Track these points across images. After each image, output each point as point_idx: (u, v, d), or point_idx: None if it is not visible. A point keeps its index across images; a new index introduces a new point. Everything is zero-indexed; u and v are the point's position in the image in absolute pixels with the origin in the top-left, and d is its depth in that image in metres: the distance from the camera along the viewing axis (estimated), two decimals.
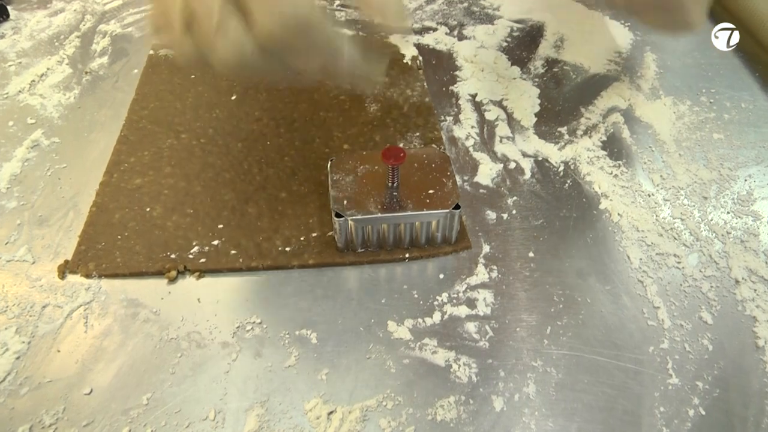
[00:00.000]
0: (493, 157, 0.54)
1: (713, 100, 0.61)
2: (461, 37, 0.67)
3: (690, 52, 0.67)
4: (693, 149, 0.56)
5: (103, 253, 0.46)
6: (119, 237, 0.47)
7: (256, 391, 0.39)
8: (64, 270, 0.45)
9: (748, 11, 0.68)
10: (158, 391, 0.39)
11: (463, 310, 0.43)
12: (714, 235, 0.49)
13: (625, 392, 0.40)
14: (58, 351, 0.41)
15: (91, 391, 0.39)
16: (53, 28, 0.69)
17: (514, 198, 0.51)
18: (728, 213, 0.50)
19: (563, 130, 0.57)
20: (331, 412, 0.38)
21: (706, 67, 0.65)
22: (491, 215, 0.49)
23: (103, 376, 0.40)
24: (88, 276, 0.45)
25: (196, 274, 0.45)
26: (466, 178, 0.52)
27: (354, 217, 0.43)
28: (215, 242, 0.46)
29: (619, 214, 0.50)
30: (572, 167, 0.53)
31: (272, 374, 0.40)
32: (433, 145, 0.54)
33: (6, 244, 0.47)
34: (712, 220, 0.50)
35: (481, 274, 0.45)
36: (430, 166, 0.46)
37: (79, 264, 0.45)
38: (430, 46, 0.66)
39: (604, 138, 0.56)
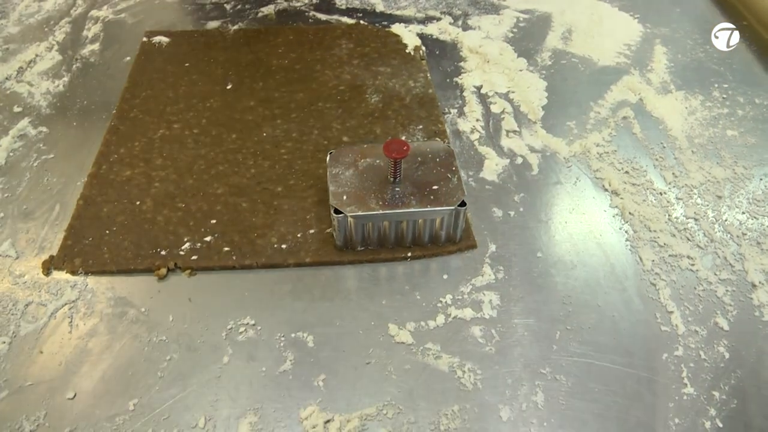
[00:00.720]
0: (500, 151, 0.52)
1: (726, 96, 0.59)
2: (466, 27, 0.65)
3: (701, 45, 0.65)
4: (706, 146, 0.53)
5: (90, 248, 0.44)
6: (107, 232, 0.45)
7: (249, 398, 0.37)
8: (49, 266, 0.43)
9: (761, 3, 0.66)
10: (145, 397, 0.37)
11: (468, 313, 0.41)
12: (729, 236, 0.47)
13: (638, 402, 0.38)
14: (41, 352, 0.39)
15: (74, 396, 0.37)
16: (43, 13, 0.67)
17: (522, 195, 0.49)
18: (743, 213, 0.48)
19: (572, 124, 0.55)
20: (328, 421, 0.36)
21: (718, 62, 0.63)
22: (497, 212, 0.47)
23: (87, 380, 0.38)
24: (74, 272, 0.43)
25: (187, 271, 0.43)
26: (471, 173, 0.50)
27: (354, 214, 0.41)
28: (207, 238, 0.44)
29: (630, 212, 0.48)
30: (581, 163, 0.51)
31: (266, 379, 0.38)
32: (437, 139, 0.51)
33: None
34: (726, 220, 0.48)
35: (486, 274, 0.43)
36: (434, 160, 0.44)
37: (64, 260, 0.43)
38: (434, 36, 0.64)
39: (615, 133, 0.54)
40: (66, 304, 0.41)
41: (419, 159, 0.44)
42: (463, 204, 0.41)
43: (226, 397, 0.37)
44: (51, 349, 0.39)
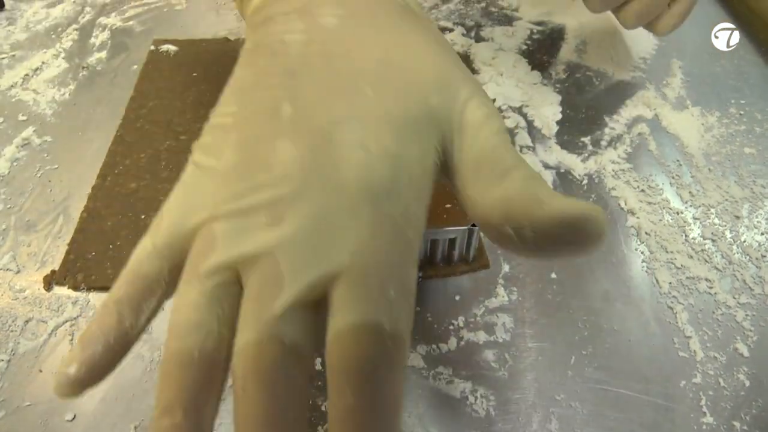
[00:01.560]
0: None
1: (743, 112, 0.57)
2: (479, 39, 0.63)
3: (717, 59, 0.63)
4: (723, 164, 0.52)
5: (93, 263, 0.43)
6: (111, 246, 0.44)
7: None
8: (51, 281, 0.42)
9: None
10: (147, 419, 0.36)
11: (480, 336, 0.40)
12: (748, 258, 0.45)
13: (656, 431, 0.36)
14: (40, 371, 0.38)
15: (74, 418, 0.36)
16: (51, 20, 0.66)
17: None
18: (762, 234, 0.47)
19: (586, 140, 0.54)
20: None
21: (735, 76, 0.61)
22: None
23: (87, 401, 0.37)
24: (76, 288, 0.42)
25: None
26: None
27: None
28: None
29: (646, 232, 0.46)
30: (596, 181, 0.50)
31: None
32: None
33: None
34: (745, 241, 0.46)
35: (500, 296, 0.42)
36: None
37: (66, 275, 0.42)
38: None
39: (630, 150, 0.53)
40: (67, 321, 0.40)
41: None
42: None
43: (230, 421, 0.36)
44: (51, 367, 0.38)
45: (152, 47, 0.62)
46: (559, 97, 0.57)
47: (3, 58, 0.61)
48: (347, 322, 0.25)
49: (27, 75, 0.59)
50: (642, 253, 0.45)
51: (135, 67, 0.60)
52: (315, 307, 0.26)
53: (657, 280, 0.44)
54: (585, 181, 0.50)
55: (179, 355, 0.26)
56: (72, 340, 0.39)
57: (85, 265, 0.43)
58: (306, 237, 0.26)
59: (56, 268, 0.43)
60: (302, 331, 0.25)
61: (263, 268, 0.26)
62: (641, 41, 0.65)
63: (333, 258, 0.25)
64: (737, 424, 0.37)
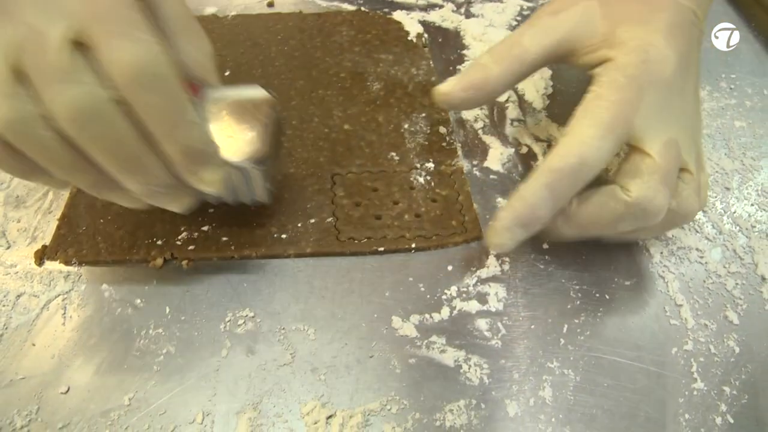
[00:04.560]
0: (504, 140, 0.51)
1: (734, 86, 0.57)
2: (469, 15, 0.63)
3: (707, 34, 0.63)
4: (714, 137, 0.52)
5: (84, 237, 0.42)
6: (102, 220, 0.43)
7: (248, 392, 0.36)
8: (42, 256, 0.42)
9: None
10: (141, 391, 0.36)
11: (473, 306, 0.40)
12: (738, 228, 0.46)
13: (648, 397, 0.37)
14: (33, 345, 0.38)
15: (67, 390, 0.36)
16: None
17: None
18: (752, 205, 0.47)
19: None
20: (330, 416, 0.35)
21: (725, 52, 0.61)
22: (502, 203, 0.46)
23: (81, 374, 0.37)
24: (67, 263, 0.41)
25: (184, 262, 0.42)
26: (475, 162, 0.49)
27: None
28: (205, 228, 0.43)
29: None
30: None
31: (266, 373, 0.37)
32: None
33: None
34: (735, 212, 0.47)
35: (492, 266, 0.42)
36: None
37: (57, 249, 0.42)
38: (436, 24, 0.62)
39: None
40: (59, 295, 0.40)
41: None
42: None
43: (224, 391, 0.36)
44: (44, 341, 0.38)
45: None
46: (549, 72, 0.57)
47: None
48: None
49: None
50: None
51: None
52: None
53: (648, 250, 0.44)
54: None
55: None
56: (64, 314, 0.39)
57: (76, 239, 0.42)
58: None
59: (47, 243, 0.42)
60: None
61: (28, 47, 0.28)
62: None
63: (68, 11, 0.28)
64: (727, 389, 0.37)
